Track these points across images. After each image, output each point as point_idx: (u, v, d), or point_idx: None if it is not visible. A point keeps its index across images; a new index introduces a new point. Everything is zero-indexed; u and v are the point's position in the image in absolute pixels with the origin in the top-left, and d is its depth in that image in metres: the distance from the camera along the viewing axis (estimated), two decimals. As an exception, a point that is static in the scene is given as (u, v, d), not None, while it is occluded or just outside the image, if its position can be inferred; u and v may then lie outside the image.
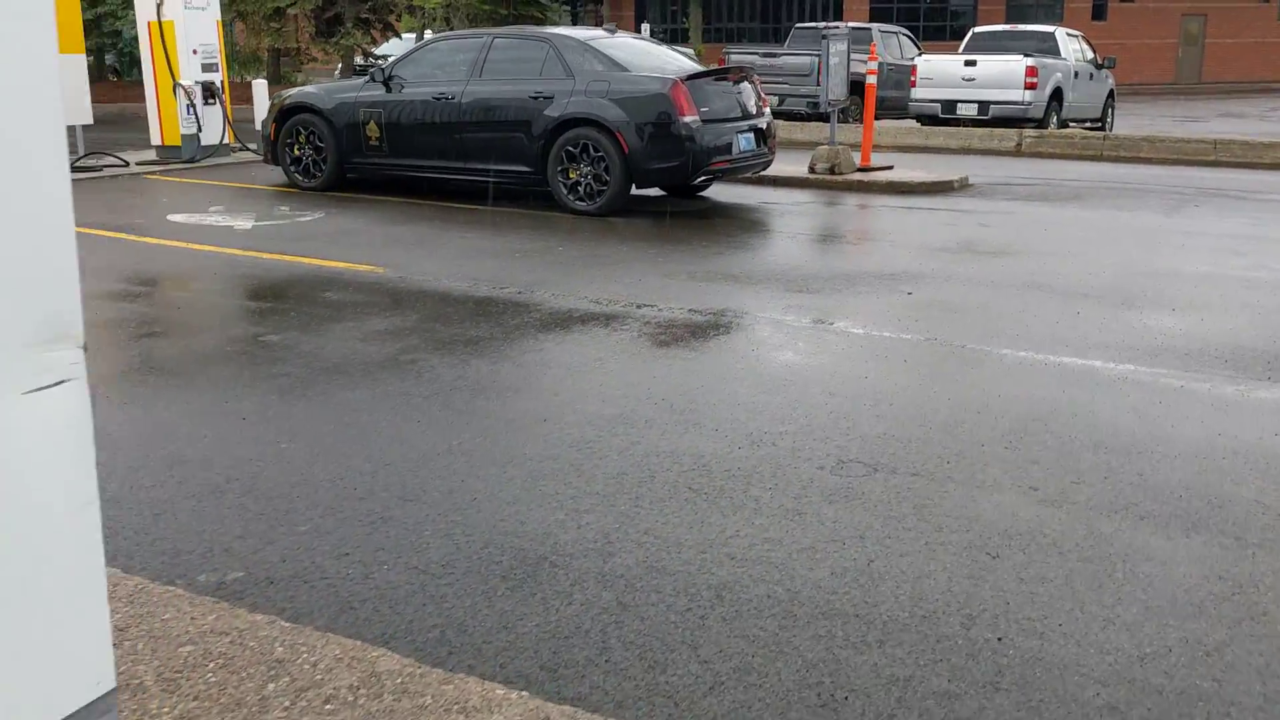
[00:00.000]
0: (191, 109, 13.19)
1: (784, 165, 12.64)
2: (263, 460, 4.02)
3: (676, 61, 10.48)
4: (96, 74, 29.37)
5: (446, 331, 5.91)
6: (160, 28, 13.36)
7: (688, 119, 9.51)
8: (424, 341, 5.68)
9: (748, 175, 10.97)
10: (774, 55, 19.20)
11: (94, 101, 20.31)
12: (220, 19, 13.89)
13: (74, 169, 12.33)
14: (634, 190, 9.96)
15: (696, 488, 3.79)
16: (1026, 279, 7.43)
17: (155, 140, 13.72)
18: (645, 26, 40.24)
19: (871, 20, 34.92)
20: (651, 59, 10.26)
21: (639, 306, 6.47)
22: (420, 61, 10.81)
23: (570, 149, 9.84)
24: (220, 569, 3.17)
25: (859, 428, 4.42)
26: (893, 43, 20.38)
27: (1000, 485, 3.86)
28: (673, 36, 43.81)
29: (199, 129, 13.31)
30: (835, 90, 11.94)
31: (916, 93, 18.14)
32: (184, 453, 4.09)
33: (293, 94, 11.43)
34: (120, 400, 4.70)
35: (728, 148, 9.87)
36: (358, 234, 8.94)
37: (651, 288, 7.00)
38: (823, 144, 12.44)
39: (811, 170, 12.07)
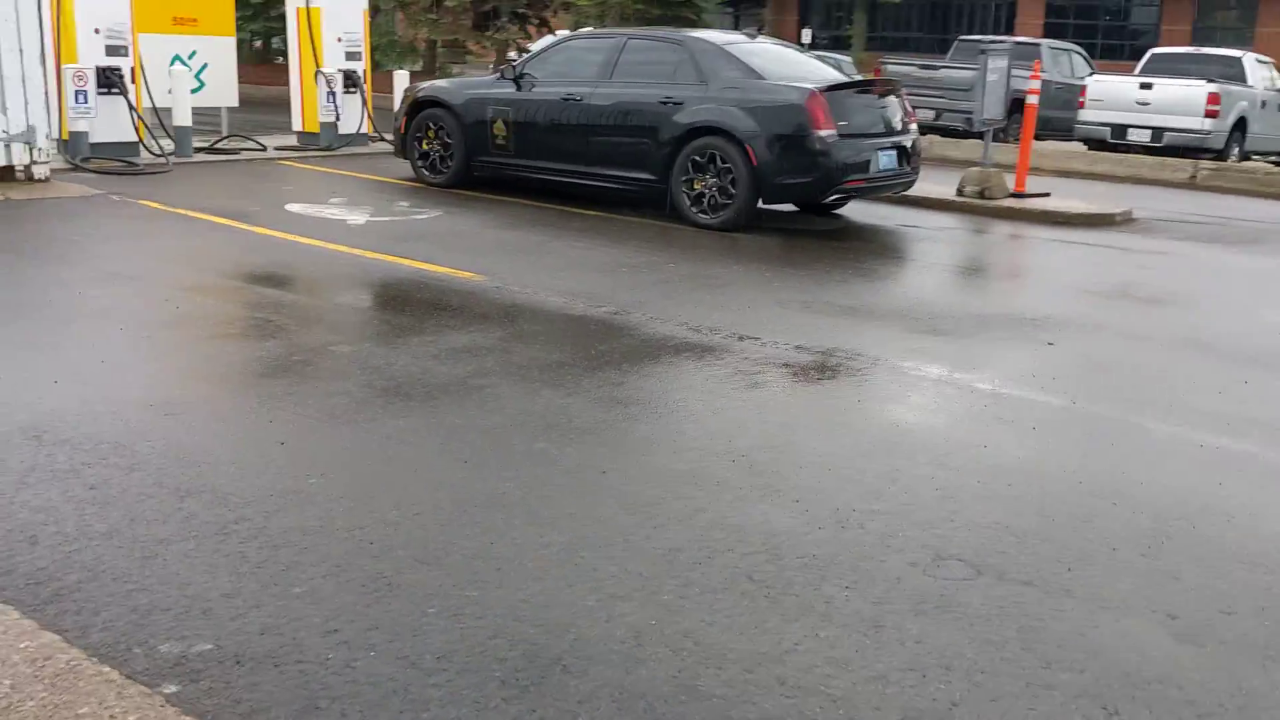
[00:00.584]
0: (331, 97, 13.15)
1: (931, 185, 11.84)
2: (284, 497, 3.63)
3: (818, 71, 9.85)
4: (262, 56, 30.20)
5: (526, 353, 5.46)
6: (308, 14, 13.37)
7: (823, 133, 8.88)
8: (499, 364, 5.25)
9: (888, 195, 10.26)
10: (932, 68, 18.29)
11: (256, 84, 20.77)
12: (366, 8, 13.84)
13: (211, 151, 12.41)
14: (762, 206, 9.38)
15: (759, 578, 3.22)
16: (1188, 335, 6.58)
17: (296, 126, 13.76)
18: (807, 32, 39.39)
19: (1045, 36, 33.37)
20: (791, 67, 9.65)
21: (740, 339, 5.91)
22: (552, 60, 10.45)
23: (696, 159, 9.32)
24: (189, 637, 2.77)
25: (966, 512, 3.78)
26: (1063, 60, 19.21)
27: (1130, 606, 3.18)
28: (835, 44, 42.85)
29: (337, 117, 13.26)
30: (991, 109, 11.10)
31: (1084, 114, 16.99)
32: (203, 481, 3.72)
33: (424, 87, 11.22)
34: (158, 413, 4.39)
35: (865, 165, 9.20)
36: (469, 236, 8.61)
37: (759, 317, 6.42)
38: (976, 164, 11.59)
39: (959, 193, 11.26)
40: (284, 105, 14.03)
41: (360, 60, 13.65)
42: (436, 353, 5.39)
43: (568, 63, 10.33)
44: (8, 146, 9.31)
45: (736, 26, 46.95)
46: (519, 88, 10.39)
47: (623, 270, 7.59)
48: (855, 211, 10.54)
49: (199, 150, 12.33)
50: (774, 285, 7.37)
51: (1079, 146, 17.20)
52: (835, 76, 9.76)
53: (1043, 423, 4.79)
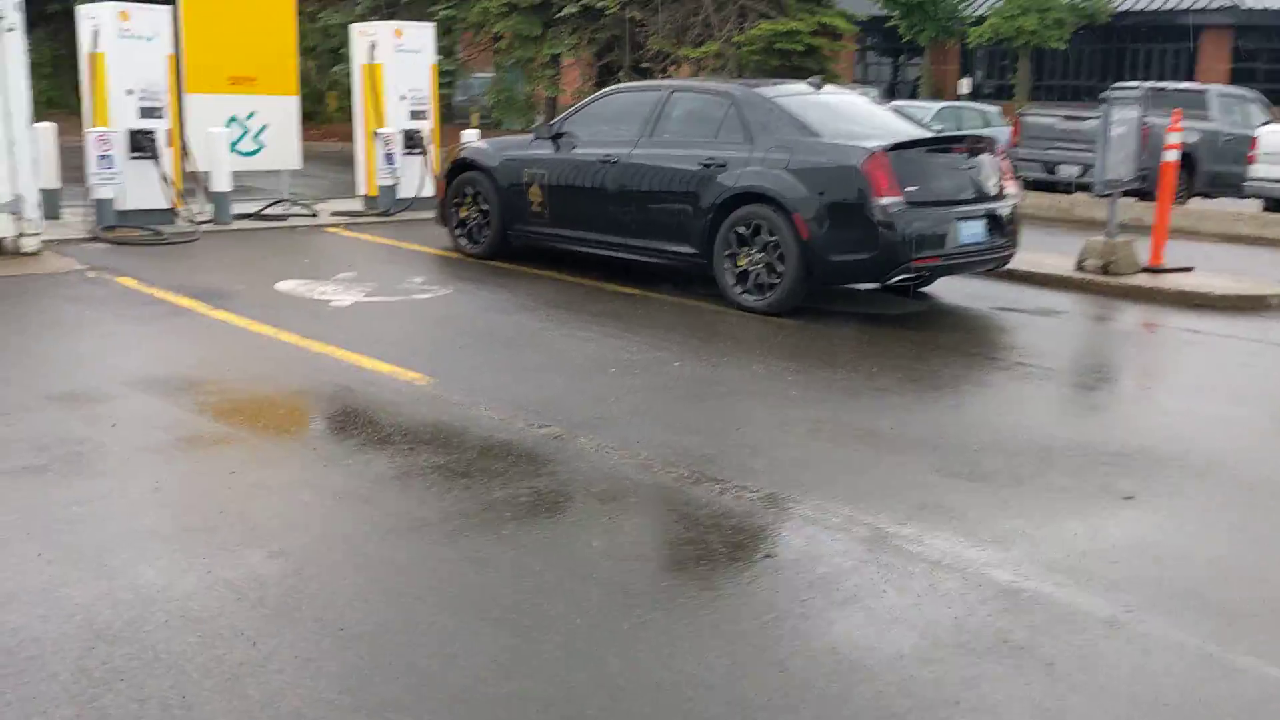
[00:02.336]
0: (390, 159, 12.28)
1: (1053, 256, 10.06)
2: None
3: (891, 126, 8.29)
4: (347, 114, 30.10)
5: (391, 504, 4.16)
6: (371, 71, 12.60)
7: (885, 200, 7.34)
8: (345, 520, 3.96)
9: (978, 271, 8.58)
10: (1078, 119, 16.28)
11: (343, 140, 20.24)
12: (435, 63, 12.97)
13: (259, 217, 11.67)
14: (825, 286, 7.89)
15: None
16: (1340, 485, 4.77)
17: (360, 189, 12.97)
18: (965, 82, 37.38)
19: (1232, 82, 30.43)
20: (857, 123, 8.13)
21: (698, 480, 4.46)
22: (593, 116, 9.22)
23: (740, 230, 7.90)
24: None
25: None
26: (1235, 109, 16.88)
27: None
28: (1000, 93, 40.51)
29: (396, 181, 12.37)
30: (1116, 167, 9.28)
31: (1255, 170, 14.71)
32: None
33: (464, 148, 10.15)
34: None
35: (940, 239, 7.58)
36: (457, 323, 7.42)
37: (743, 445, 4.96)
38: (1102, 232, 9.72)
39: (1079, 266, 9.45)
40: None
41: (426, 120, 12.76)
42: (279, 502, 4.14)
43: (609, 119, 9.08)
44: (-8, 217, 8.65)
45: (895, 78, 45.19)
46: (557, 147, 9.21)
47: (611, 371, 6.22)
48: (948, 289, 8.88)
49: (243, 217, 11.60)
50: (792, 394, 5.87)
51: (1253, 206, 14.92)
52: (911, 133, 8.19)
53: (1069, 655, 3.18)
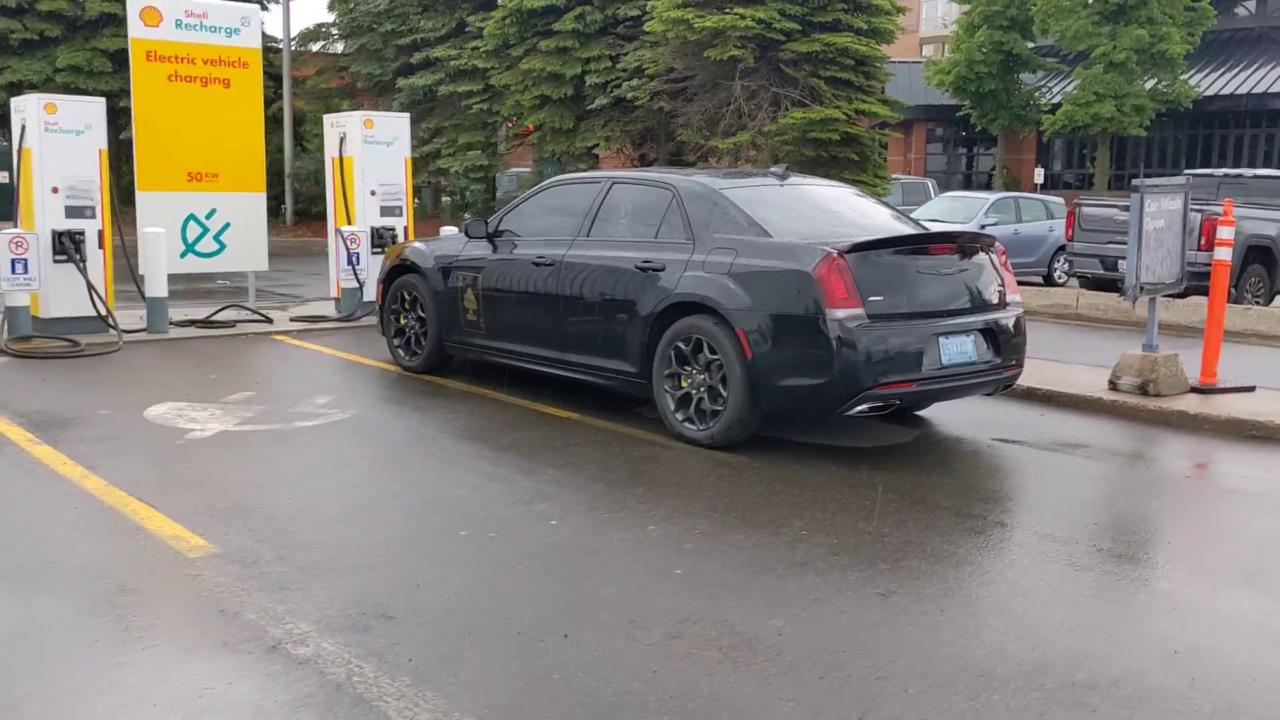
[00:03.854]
0: (354, 259, 11.24)
1: (1084, 369, 8.53)
2: None
3: (871, 223, 6.92)
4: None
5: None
6: (340, 164, 11.66)
7: (841, 313, 5.94)
8: None
9: (973, 396, 7.07)
10: (1140, 209, 14.64)
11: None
12: (409, 156, 11.99)
13: (206, 324, 10.67)
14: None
15: None
16: None
17: (332, 291, 11.96)
18: (1039, 171, 35.79)
19: (1329, 167, 28.30)
20: (821, 220, 6.76)
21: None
22: (532, 211, 8.02)
23: (680, 345, 6.56)
24: None
25: None
26: (1321, 197, 15.11)
27: None
28: (1082, 182, 38.75)
29: (360, 283, 11.32)
30: (1155, 269, 7.74)
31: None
32: None
33: (406, 247, 9.02)
34: None
35: (915, 360, 6.14)
36: (321, 462, 6.16)
37: (562, 665, 3.55)
38: (1140, 347, 8.14)
39: (1112, 385, 7.87)
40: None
41: (400, 216, 11.74)
42: None
43: (548, 214, 7.87)
44: None
45: (970, 167, 43.70)
46: (494, 247, 8.01)
47: (463, 534, 4.89)
48: (950, 413, 7.37)
49: (189, 324, 10.61)
50: (676, 572, 4.45)
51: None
52: (891, 229, 6.81)
53: None
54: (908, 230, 6.89)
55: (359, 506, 5.27)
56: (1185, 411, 7.24)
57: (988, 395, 6.90)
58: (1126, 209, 14.93)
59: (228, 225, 11.42)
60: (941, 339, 6.24)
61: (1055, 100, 33.93)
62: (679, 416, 6.61)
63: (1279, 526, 5.41)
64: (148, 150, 10.95)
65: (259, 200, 11.75)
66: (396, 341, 8.86)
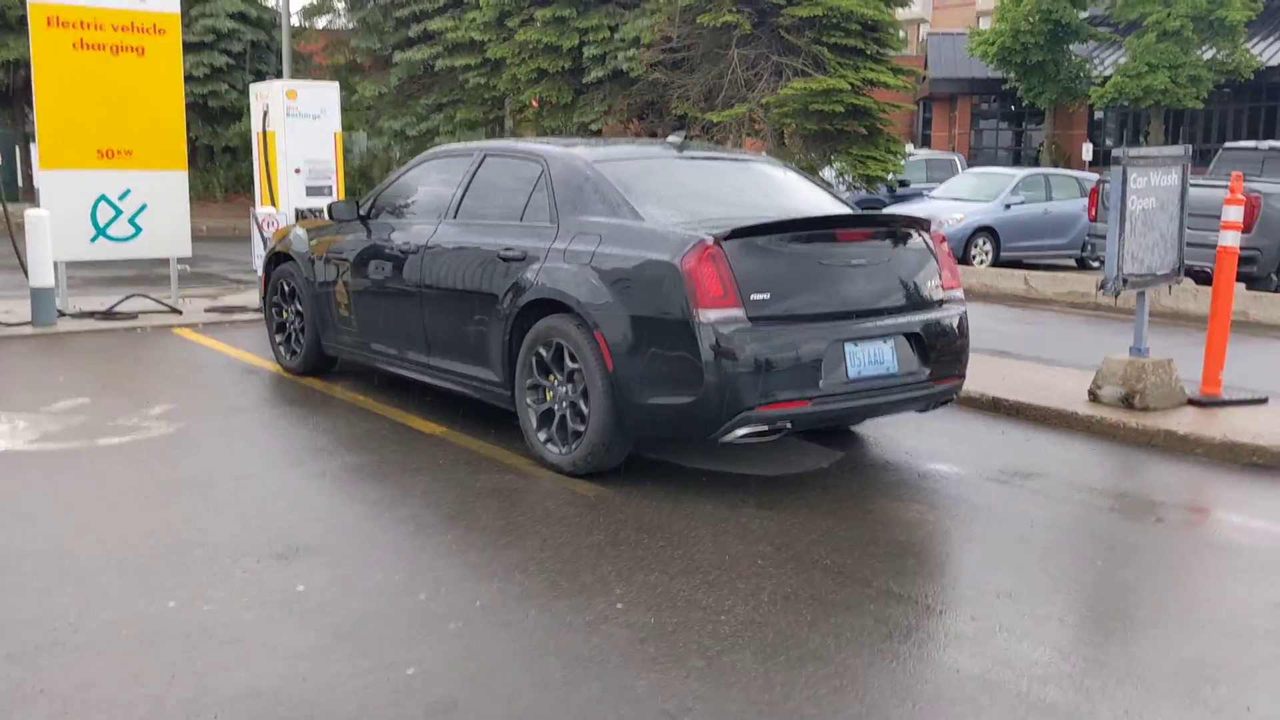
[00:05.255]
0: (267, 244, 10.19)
1: (1070, 374, 7.23)
2: None
3: (777, 202, 5.69)
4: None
5: None
6: (264, 139, 10.62)
7: (714, 314, 4.74)
8: None
9: (895, 413, 5.78)
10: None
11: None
12: (339, 130, 10.89)
13: (104, 316, 9.68)
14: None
15: None
16: None
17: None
18: (1087, 147, 33.96)
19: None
20: (713, 199, 5.55)
21: None
22: (404, 189, 6.88)
23: (541, 351, 5.40)
24: None
25: None
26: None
27: None
28: (1133, 159, 36.72)
29: (279, 269, 10.26)
30: (1143, 257, 6.42)
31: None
32: None
33: (288, 232, 7.94)
34: None
35: (813, 374, 4.90)
36: (102, 489, 5.09)
37: None
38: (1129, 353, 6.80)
39: (1093, 396, 6.56)
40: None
41: (329, 195, 10.64)
42: None
43: (421, 191, 6.73)
44: None
45: (1018, 144, 41.73)
46: (368, 231, 6.89)
47: (172, 605, 3.79)
48: (894, 428, 6.14)
49: (88, 315, 9.65)
50: (408, 673, 3.32)
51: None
52: (788, 211, 5.55)
53: None
54: (818, 213, 5.62)
55: (57, 558, 4.18)
56: (1173, 431, 5.91)
57: (909, 411, 5.60)
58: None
59: (144, 207, 10.40)
60: (849, 346, 5.00)
61: (1106, 72, 32.02)
62: (541, 436, 5.45)
63: (1226, 582, 4.11)
64: (51, 125, 9.96)
65: (180, 179, 10.71)
66: (279, 338, 7.79)
